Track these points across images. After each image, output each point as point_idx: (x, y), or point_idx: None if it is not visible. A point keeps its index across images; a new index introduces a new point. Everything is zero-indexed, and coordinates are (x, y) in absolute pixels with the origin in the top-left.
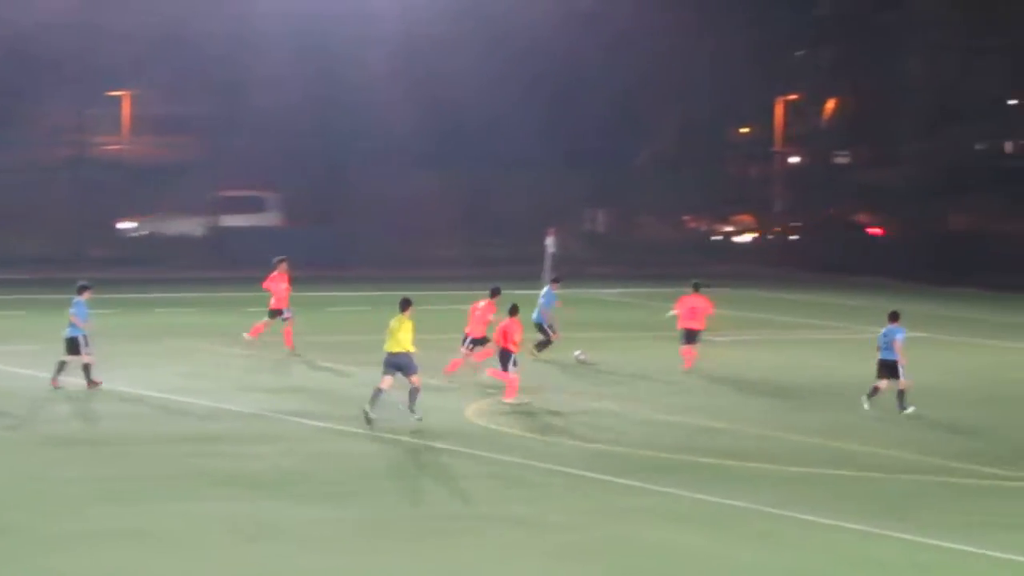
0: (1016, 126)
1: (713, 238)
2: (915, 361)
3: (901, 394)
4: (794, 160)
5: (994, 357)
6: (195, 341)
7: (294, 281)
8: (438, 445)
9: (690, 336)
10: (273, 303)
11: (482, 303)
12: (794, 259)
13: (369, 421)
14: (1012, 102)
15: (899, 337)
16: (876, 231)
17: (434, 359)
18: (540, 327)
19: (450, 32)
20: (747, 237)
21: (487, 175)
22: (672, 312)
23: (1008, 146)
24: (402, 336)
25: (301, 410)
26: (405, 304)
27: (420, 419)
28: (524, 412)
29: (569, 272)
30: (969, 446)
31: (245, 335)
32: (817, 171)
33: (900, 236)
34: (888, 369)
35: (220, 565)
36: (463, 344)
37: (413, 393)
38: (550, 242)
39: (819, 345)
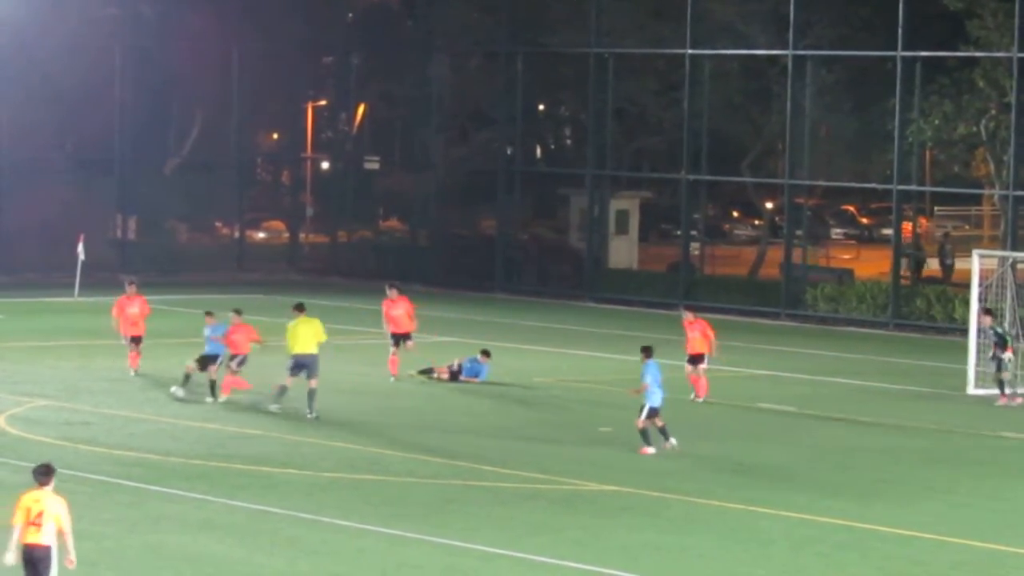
0: (544, 131)
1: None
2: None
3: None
4: (325, 166)
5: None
6: None
7: None
8: None
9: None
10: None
11: None
12: (327, 265)
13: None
14: (541, 107)
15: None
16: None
17: None
18: None
19: None
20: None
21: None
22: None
23: (537, 151)
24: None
25: None
26: (301, 306)
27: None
28: (62, 421)
29: (99, 280)
30: (498, 452)
31: None
32: (348, 176)
33: (431, 242)
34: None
35: None
36: None
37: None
38: (80, 249)
39: (346, 351)
